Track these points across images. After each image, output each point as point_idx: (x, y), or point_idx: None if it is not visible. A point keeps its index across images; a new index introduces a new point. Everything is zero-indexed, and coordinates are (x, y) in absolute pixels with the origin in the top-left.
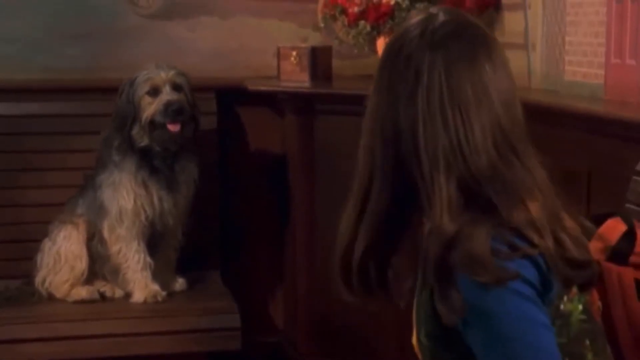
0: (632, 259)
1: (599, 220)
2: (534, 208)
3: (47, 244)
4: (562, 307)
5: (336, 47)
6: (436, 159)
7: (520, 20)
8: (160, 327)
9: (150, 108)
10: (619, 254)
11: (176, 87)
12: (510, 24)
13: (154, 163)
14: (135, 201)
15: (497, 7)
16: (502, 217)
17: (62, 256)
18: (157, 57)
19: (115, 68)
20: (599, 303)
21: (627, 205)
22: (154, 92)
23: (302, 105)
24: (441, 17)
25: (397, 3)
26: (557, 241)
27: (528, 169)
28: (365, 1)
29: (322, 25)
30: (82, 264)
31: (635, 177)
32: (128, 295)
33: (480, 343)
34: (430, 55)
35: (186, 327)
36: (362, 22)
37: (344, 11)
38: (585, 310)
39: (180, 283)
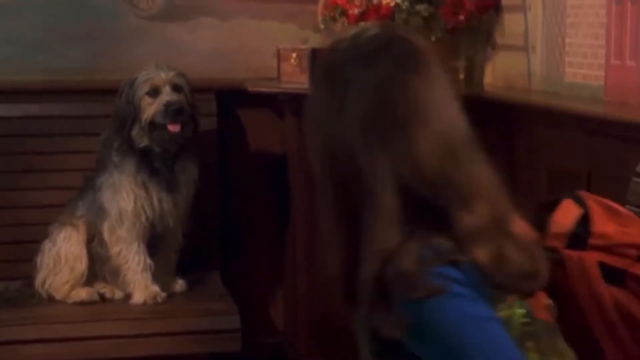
0: (591, 241)
1: (553, 206)
2: (477, 216)
3: (47, 245)
4: (499, 313)
5: None
6: (374, 174)
7: (520, 22)
8: (160, 329)
9: (150, 109)
10: (577, 239)
11: (176, 88)
12: (511, 25)
13: (154, 164)
14: (135, 202)
15: (497, 8)
16: (443, 227)
17: (62, 257)
18: (157, 58)
19: (115, 69)
20: (547, 301)
21: (627, 206)
22: (154, 92)
23: (302, 106)
24: (372, 31)
25: (397, 4)
26: (500, 251)
27: (472, 176)
28: (365, 3)
29: (322, 26)
30: (82, 265)
31: (635, 179)
32: (128, 296)
33: (431, 356)
34: (359, 71)
35: (186, 328)
36: (362, 24)
37: (344, 13)
38: (527, 313)
39: (180, 284)
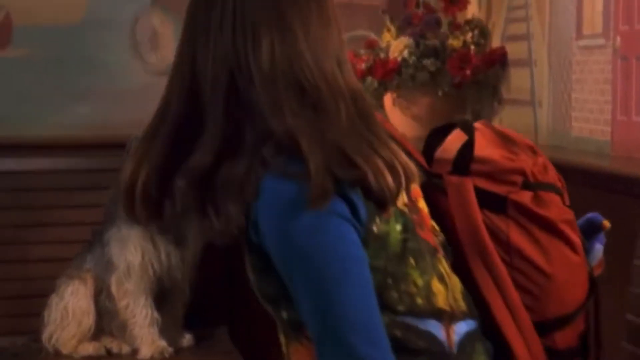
0: (473, 166)
1: (444, 133)
2: (335, 115)
3: (54, 299)
4: (375, 229)
5: None
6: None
7: (527, 77)
8: None
9: None
10: (460, 164)
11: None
12: (517, 80)
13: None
14: (143, 256)
15: (504, 63)
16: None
17: (69, 312)
18: None
19: (124, 124)
20: (431, 222)
21: (636, 261)
22: None
23: None
24: None
25: (404, 59)
26: (369, 164)
27: (336, 81)
28: (372, 57)
29: None
30: (89, 320)
31: None
32: (135, 351)
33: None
34: None
35: None
36: (369, 78)
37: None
38: (406, 230)
39: (187, 339)
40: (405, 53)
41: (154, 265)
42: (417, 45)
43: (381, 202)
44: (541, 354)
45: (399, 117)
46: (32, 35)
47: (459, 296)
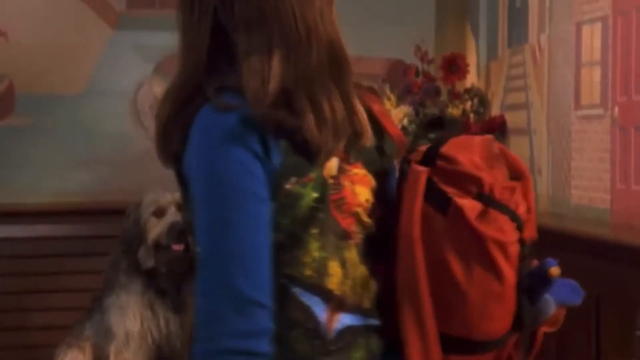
0: (439, 163)
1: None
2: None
3: None
4: (288, 186)
5: None
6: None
7: (526, 145)
8: None
9: (155, 230)
10: (427, 156)
11: (182, 209)
12: (516, 148)
13: (161, 285)
14: (142, 323)
15: (503, 132)
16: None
17: None
18: (165, 180)
19: (123, 191)
20: (359, 210)
21: (638, 332)
22: (160, 213)
23: None
24: None
25: (403, 127)
26: (314, 112)
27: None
28: None
29: None
30: None
31: None
32: None
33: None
34: None
35: None
36: None
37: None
38: (321, 201)
39: None
40: (405, 121)
41: (153, 333)
42: (417, 113)
43: (310, 155)
44: None
45: None
46: (34, 104)
47: (359, 290)
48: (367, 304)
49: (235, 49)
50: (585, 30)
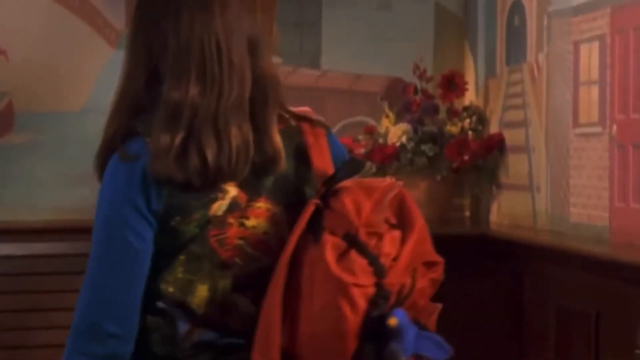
0: (329, 198)
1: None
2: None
3: None
4: (172, 224)
5: None
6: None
7: (525, 162)
8: None
9: None
10: (323, 190)
11: None
12: (515, 166)
13: None
14: None
15: (502, 149)
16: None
17: None
18: None
19: None
20: (256, 236)
21: (637, 351)
22: None
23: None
24: None
25: (402, 145)
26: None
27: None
28: (371, 143)
29: None
30: None
31: None
32: None
33: None
34: None
35: None
36: (368, 163)
37: (350, 152)
38: (200, 235)
39: None
40: (404, 139)
41: None
42: (415, 131)
43: (196, 197)
44: None
45: None
46: (33, 122)
47: (226, 313)
48: (235, 325)
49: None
50: (583, 48)
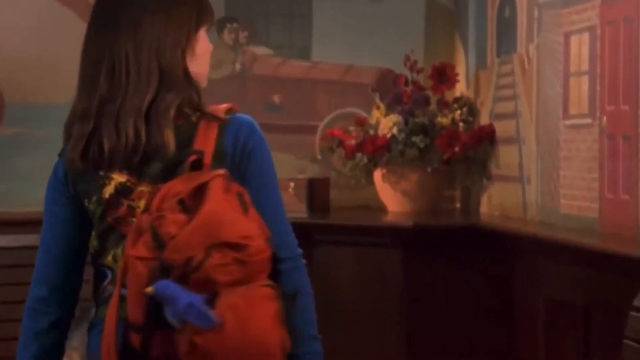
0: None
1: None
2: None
3: None
4: (85, 204)
5: (334, 179)
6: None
7: (515, 154)
8: None
9: None
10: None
11: None
12: (506, 157)
13: None
14: None
15: (492, 141)
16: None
17: None
18: None
19: None
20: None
21: (626, 341)
22: None
23: (300, 236)
24: None
25: (393, 136)
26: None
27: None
28: (362, 134)
29: (319, 157)
30: None
31: (632, 313)
32: None
33: None
34: None
35: None
36: (359, 155)
37: (341, 144)
38: (102, 214)
39: None
40: (395, 130)
41: None
42: (406, 122)
43: (93, 184)
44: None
45: (389, 192)
46: (24, 114)
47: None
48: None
49: None
50: (574, 40)
